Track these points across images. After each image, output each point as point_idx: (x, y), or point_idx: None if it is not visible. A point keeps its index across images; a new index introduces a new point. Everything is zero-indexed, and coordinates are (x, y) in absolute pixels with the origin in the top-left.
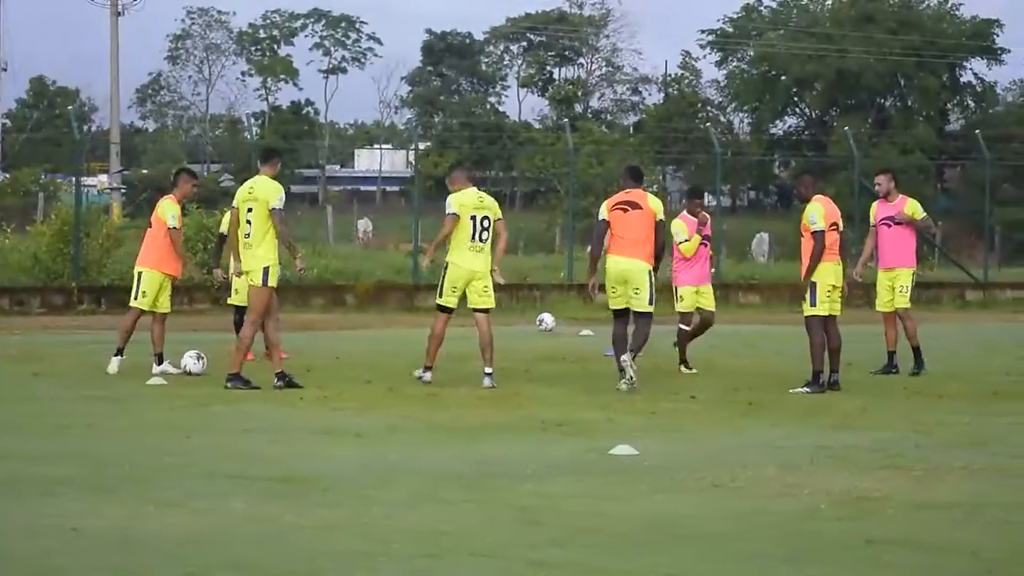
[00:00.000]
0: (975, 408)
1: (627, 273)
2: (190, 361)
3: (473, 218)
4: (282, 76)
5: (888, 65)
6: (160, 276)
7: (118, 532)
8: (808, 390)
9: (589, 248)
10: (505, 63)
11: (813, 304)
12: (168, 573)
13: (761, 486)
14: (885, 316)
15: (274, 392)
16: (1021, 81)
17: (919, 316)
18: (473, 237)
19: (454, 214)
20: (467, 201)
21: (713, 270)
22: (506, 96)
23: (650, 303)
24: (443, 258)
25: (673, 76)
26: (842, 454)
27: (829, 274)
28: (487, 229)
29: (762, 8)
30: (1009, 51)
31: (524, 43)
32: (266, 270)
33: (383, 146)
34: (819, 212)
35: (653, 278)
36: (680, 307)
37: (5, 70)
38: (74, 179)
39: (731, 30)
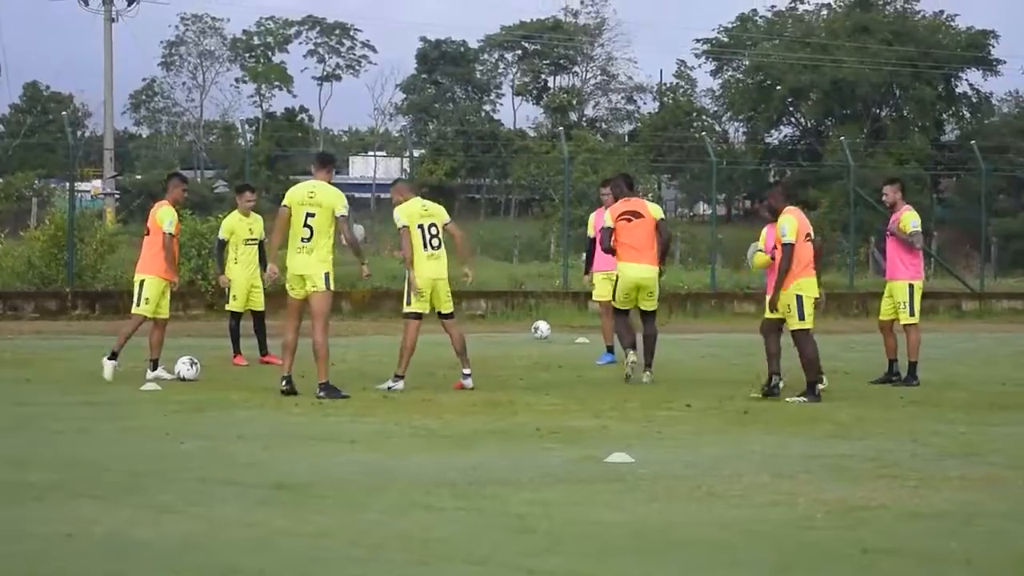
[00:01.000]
0: (971, 418)
1: (642, 280)
2: (183, 367)
3: (421, 227)
4: (276, 83)
5: (883, 75)
6: (162, 283)
7: (112, 537)
8: (805, 400)
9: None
10: (500, 71)
11: (801, 318)
12: None
13: (756, 495)
14: (881, 325)
15: (267, 398)
16: (1017, 92)
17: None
18: (425, 245)
19: (405, 226)
20: (412, 211)
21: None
22: (501, 104)
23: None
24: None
25: (668, 85)
26: (837, 463)
27: (812, 287)
28: (436, 236)
29: (757, 18)
30: (1005, 62)
31: (519, 51)
32: (327, 274)
33: (377, 153)
34: (791, 225)
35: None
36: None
37: None
38: (68, 184)
39: (726, 40)
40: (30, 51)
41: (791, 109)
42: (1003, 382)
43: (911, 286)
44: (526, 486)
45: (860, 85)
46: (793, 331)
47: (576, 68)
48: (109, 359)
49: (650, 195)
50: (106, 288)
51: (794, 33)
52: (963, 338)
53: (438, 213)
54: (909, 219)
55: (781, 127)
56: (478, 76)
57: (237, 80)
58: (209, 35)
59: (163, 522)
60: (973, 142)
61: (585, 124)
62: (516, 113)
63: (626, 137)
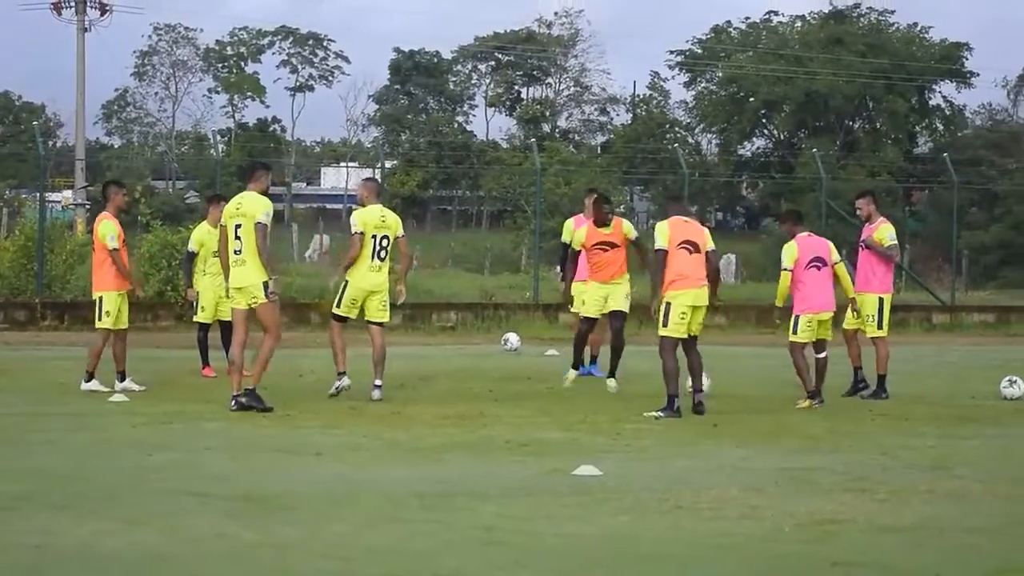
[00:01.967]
0: (940, 431)
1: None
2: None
3: (374, 237)
4: (249, 93)
5: (857, 88)
6: (119, 295)
7: (80, 549)
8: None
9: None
10: (473, 82)
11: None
12: None
13: (725, 508)
14: (845, 334)
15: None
16: (990, 105)
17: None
18: (373, 256)
19: (360, 233)
20: (370, 220)
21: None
22: (473, 115)
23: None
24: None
25: (641, 97)
26: (806, 477)
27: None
28: (385, 248)
29: (731, 30)
30: (978, 75)
31: (492, 62)
32: (265, 284)
33: (349, 164)
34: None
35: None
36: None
37: None
38: (38, 195)
39: (700, 51)
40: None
41: (764, 121)
42: (973, 396)
43: (881, 299)
44: (495, 499)
45: (833, 97)
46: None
47: (549, 79)
48: (87, 382)
49: (622, 207)
50: (76, 299)
51: (768, 45)
52: (934, 351)
53: (394, 225)
54: (886, 232)
55: (754, 139)
56: (451, 87)
57: (210, 90)
58: (182, 45)
59: (131, 534)
60: (945, 155)
61: (558, 135)
62: (489, 124)
63: (599, 148)
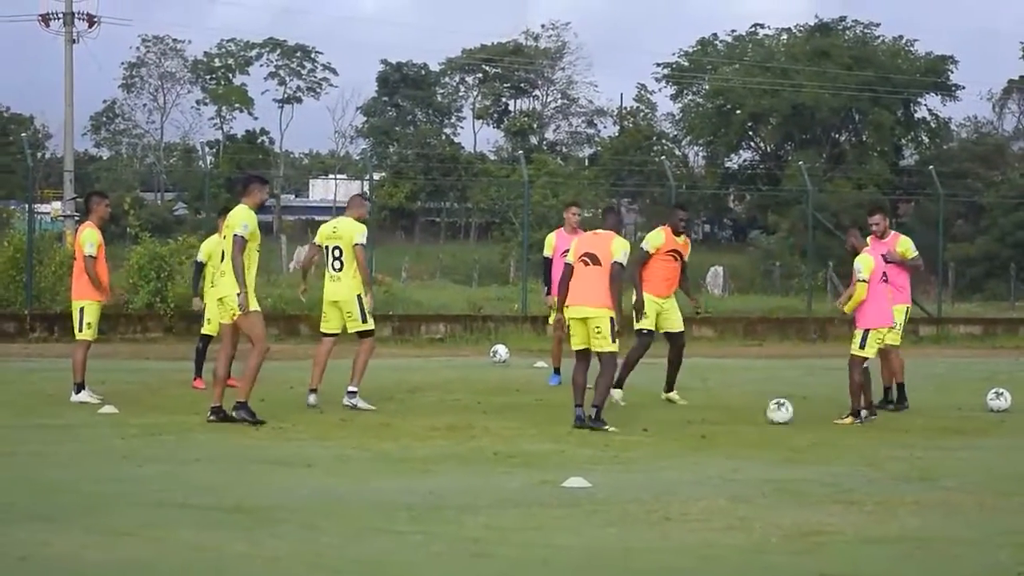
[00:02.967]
0: (927, 442)
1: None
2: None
3: (327, 248)
4: (237, 105)
5: (843, 100)
6: (100, 305)
7: (67, 561)
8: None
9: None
10: (460, 94)
11: (862, 347)
12: None
13: (713, 519)
14: (880, 351)
15: (226, 422)
16: (975, 117)
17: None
18: (329, 267)
19: (315, 244)
20: (323, 231)
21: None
22: (461, 127)
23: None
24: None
25: (628, 109)
26: (794, 488)
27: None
28: (339, 259)
29: (717, 42)
30: (963, 87)
31: (479, 75)
32: (238, 295)
33: (338, 176)
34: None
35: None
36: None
37: None
38: (27, 206)
39: (686, 64)
40: None
41: (751, 133)
42: (959, 407)
43: (907, 309)
44: (484, 510)
45: (819, 110)
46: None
47: (537, 92)
48: (77, 393)
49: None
50: (65, 310)
51: (754, 57)
52: (920, 363)
53: (346, 235)
54: (908, 244)
55: (741, 151)
56: (439, 99)
57: (198, 102)
58: (170, 57)
59: (117, 545)
60: (931, 167)
61: (546, 147)
62: (477, 136)
63: (586, 161)
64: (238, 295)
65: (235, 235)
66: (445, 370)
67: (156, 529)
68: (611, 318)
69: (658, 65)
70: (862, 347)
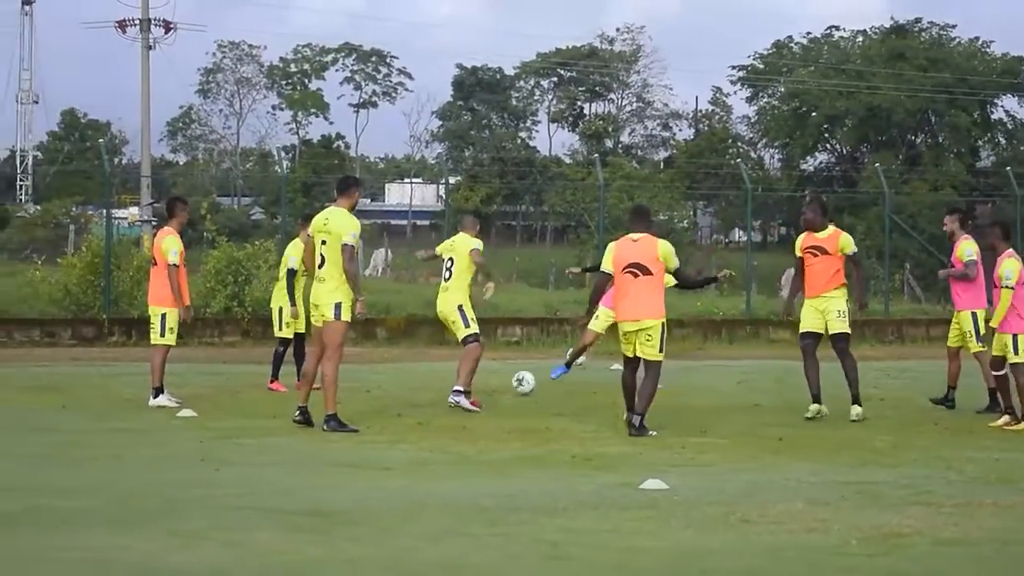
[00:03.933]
0: (1005, 444)
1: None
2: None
3: (444, 259)
4: (313, 110)
5: (919, 102)
6: (178, 311)
7: (146, 565)
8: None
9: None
10: (536, 98)
11: (1016, 352)
12: None
13: (791, 521)
14: (948, 351)
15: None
16: None
17: (942, 353)
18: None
19: (435, 254)
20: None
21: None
22: (536, 131)
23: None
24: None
25: (704, 112)
26: (872, 490)
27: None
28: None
29: (793, 45)
30: None
31: (554, 78)
32: (338, 304)
33: (413, 180)
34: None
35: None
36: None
37: (37, 103)
38: (105, 211)
39: (762, 66)
40: (68, 79)
41: (826, 136)
42: None
43: (974, 314)
44: (560, 513)
45: (895, 112)
46: (1011, 364)
47: (612, 95)
48: (155, 398)
49: (685, 222)
50: (142, 315)
51: (830, 60)
52: None
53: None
54: (964, 248)
55: (816, 154)
56: (514, 103)
57: (274, 107)
58: (246, 62)
59: (195, 549)
60: (1008, 168)
61: (621, 151)
62: (552, 140)
63: (661, 164)
64: (337, 304)
65: (345, 244)
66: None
67: (233, 532)
68: (663, 326)
69: (733, 68)
70: (1015, 352)
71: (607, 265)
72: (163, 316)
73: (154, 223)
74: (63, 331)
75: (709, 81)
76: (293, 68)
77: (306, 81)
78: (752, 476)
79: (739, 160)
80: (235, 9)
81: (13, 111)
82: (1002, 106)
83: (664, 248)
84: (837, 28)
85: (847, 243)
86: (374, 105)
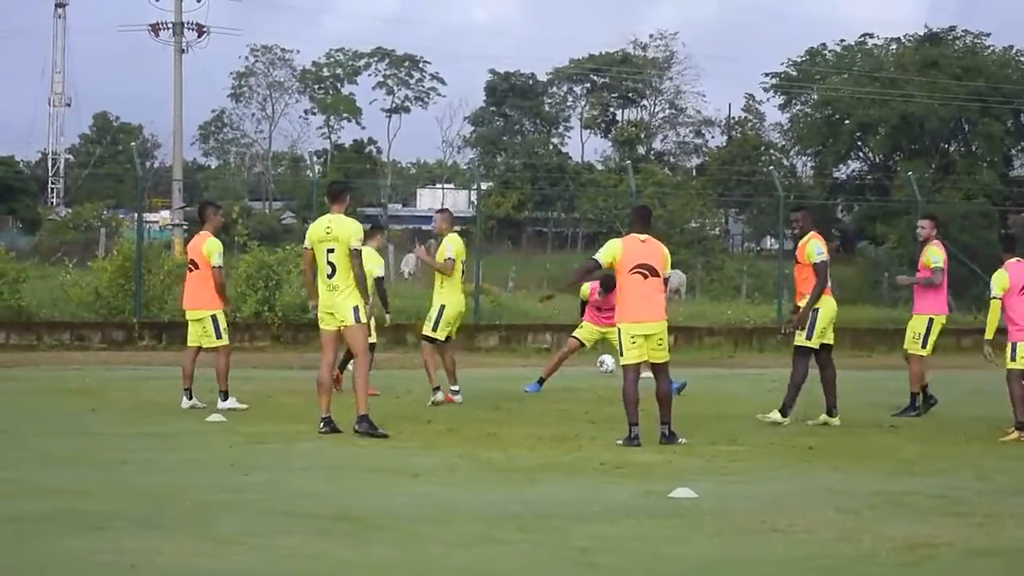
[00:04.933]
0: None
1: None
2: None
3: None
4: (345, 115)
5: (952, 110)
6: (225, 311)
7: (176, 569)
8: None
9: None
10: (568, 104)
11: (1013, 359)
12: None
13: (820, 530)
14: (905, 355)
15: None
16: None
17: (973, 362)
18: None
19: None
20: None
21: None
22: (569, 137)
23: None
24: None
25: (736, 119)
26: (902, 500)
27: None
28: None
29: (826, 52)
30: None
31: (587, 84)
32: (356, 308)
33: (445, 186)
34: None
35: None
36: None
37: (69, 105)
38: (136, 215)
39: (795, 74)
40: (100, 82)
41: (859, 144)
42: None
43: (931, 319)
44: (590, 520)
45: (929, 120)
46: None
47: (644, 102)
48: (223, 401)
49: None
50: (173, 319)
51: (863, 67)
52: None
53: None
54: (932, 254)
55: (849, 162)
56: (546, 109)
57: (306, 112)
58: (278, 66)
59: (224, 553)
60: None
61: (653, 158)
62: (584, 146)
63: (694, 171)
64: (355, 308)
65: (353, 248)
66: (552, 379)
67: (263, 537)
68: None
69: (766, 75)
70: (1013, 359)
71: (605, 259)
72: (214, 318)
73: (185, 227)
74: (93, 334)
75: (742, 88)
76: (326, 72)
77: (338, 86)
78: (782, 485)
79: (771, 168)
80: (269, 13)
81: (45, 114)
82: None
83: (666, 251)
84: (871, 36)
85: (811, 251)
86: (406, 110)
